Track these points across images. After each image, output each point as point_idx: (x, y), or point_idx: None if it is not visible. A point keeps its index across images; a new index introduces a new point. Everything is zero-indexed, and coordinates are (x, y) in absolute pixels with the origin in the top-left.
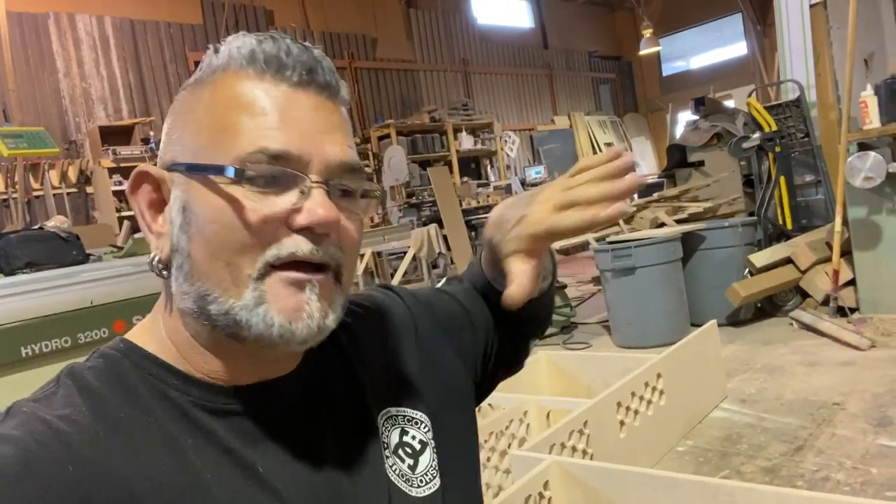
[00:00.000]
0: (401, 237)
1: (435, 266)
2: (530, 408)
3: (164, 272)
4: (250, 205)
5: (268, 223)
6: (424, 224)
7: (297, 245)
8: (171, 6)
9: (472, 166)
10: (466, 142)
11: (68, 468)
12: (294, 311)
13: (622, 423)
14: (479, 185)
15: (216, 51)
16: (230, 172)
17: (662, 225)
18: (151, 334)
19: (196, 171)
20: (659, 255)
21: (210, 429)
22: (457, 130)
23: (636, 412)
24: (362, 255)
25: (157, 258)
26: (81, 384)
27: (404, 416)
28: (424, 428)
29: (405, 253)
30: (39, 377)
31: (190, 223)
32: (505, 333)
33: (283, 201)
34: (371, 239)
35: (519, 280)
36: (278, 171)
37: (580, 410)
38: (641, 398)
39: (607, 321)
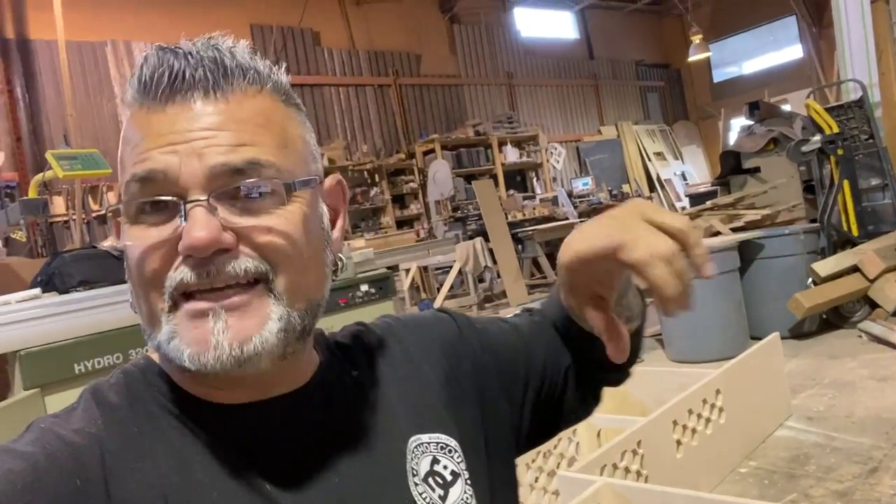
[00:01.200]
0: (446, 251)
1: (481, 280)
2: (580, 425)
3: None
4: (140, 240)
5: (157, 255)
6: (470, 238)
7: (183, 274)
8: (221, 30)
9: (517, 179)
10: (511, 154)
11: (76, 481)
12: (199, 344)
13: (679, 442)
14: (524, 198)
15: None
16: (123, 216)
17: (717, 234)
18: (164, 357)
19: (118, 214)
20: (713, 266)
21: (217, 446)
22: (501, 143)
23: (694, 431)
24: (408, 270)
25: (132, 300)
26: (100, 399)
27: (437, 444)
28: (458, 457)
29: (451, 267)
30: None
31: (128, 266)
32: (581, 375)
33: (166, 229)
34: (416, 253)
35: (608, 335)
36: (154, 203)
37: (633, 429)
38: (699, 416)
39: (660, 335)
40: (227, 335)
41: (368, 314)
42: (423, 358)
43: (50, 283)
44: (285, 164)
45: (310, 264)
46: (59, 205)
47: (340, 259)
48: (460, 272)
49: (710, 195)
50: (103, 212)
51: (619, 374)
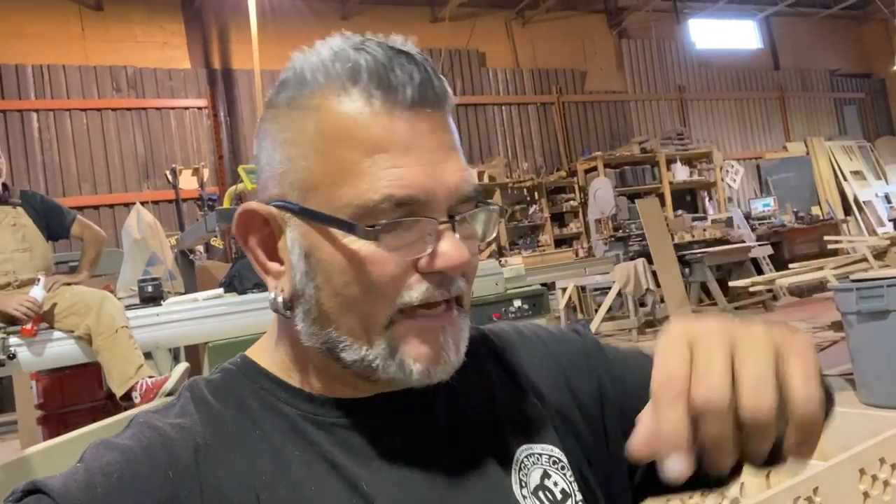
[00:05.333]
0: (603, 271)
1: (643, 304)
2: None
3: (289, 312)
4: (380, 257)
5: (396, 269)
6: (632, 258)
7: (428, 290)
8: None
9: (686, 199)
10: (681, 173)
11: (168, 473)
12: (433, 359)
13: (866, 494)
14: (694, 219)
15: (304, 61)
16: (360, 232)
17: None
18: (267, 350)
19: (316, 219)
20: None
21: (316, 441)
22: (670, 161)
23: (885, 484)
24: (564, 289)
25: (278, 298)
26: (197, 396)
27: (549, 457)
28: (569, 476)
29: (609, 288)
30: None
31: (315, 271)
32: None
33: (413, 248)
34: (572, 272)
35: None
36: (405, 219)
37: (810, 473)
38: (893, 467)
39: (851, 374)
40: (452, 349)
41: None
42: (539, 372)
43: (231, 284)
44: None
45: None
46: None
47: None
48: (620, 294)
49: None
50: None
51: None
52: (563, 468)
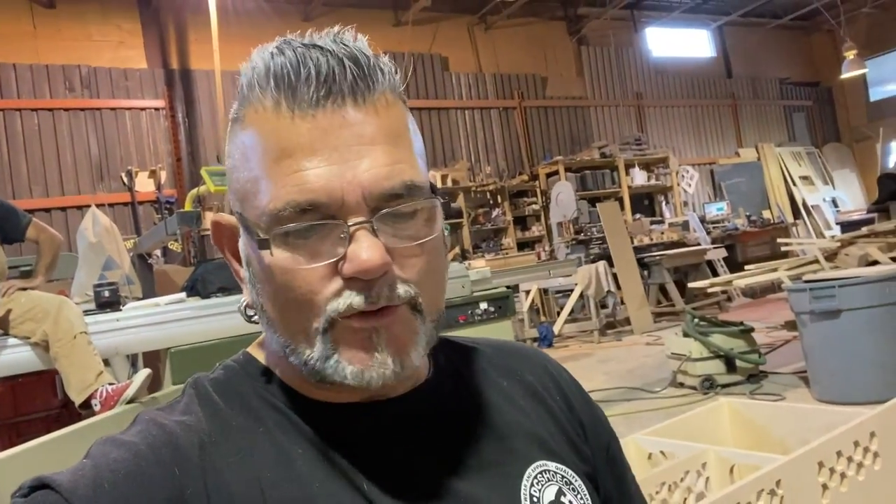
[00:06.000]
0: (567, 274)
1: (604, 305)
2: (710, 459)
3: (252, 319)
4: (296, 264)
5: (316, 277)
6: (593, 261)
7: (351, 298)
8: None
9: (645, 203)
10: (639, 177)
11: (174, 470)
12: (364, 361)
13: (825, 486)
14: (652, 223)
15: (244, 72)
16: (266, 243)
17: (875, 263)
18: (267, 348)
19: (244, 229)
20: (870, 297)
21: (319, 441)
22: (629, 166)
23: (843, 476)
24: (527, 292)
25: (244, 304)
26: (201, 393)
27: (563, 477)
28: (583, 499)
29: (572, 290)
30: None
31: (255, 279)
32: None
33: (327, 253)
34: (536, 274)
35: None
36: (312, 225)
37: (772, 467)
38: (850, 459)
39: (804, 371)
40: (389, 353)
41: (487, 332)
42: (548, 394)
43: (194, 288)
44: (425, 177)
45: (441, 277)
46: (209, 219)
47: None
48: (582, 296)
49: (866, 222)
50: None
51: None
52: (577, 491)
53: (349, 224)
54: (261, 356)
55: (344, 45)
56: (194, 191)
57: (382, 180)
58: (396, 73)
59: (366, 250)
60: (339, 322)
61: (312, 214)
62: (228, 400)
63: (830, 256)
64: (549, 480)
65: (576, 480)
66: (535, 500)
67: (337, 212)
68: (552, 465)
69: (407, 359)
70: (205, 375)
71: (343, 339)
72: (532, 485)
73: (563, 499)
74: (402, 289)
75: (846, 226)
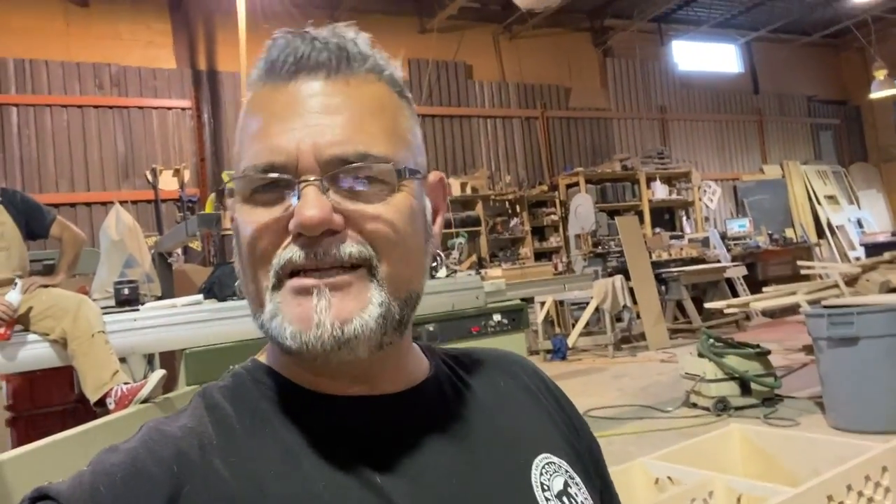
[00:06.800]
0: (583, 287)
1: (619, 319)
2: (717, 487)
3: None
4: (253, 217)
5: (268, 233)
6: (610, 275)
7: (292, 253)
8: None
9: (665, 217)
10: (660, 191)
11: (173, 468)
12: (302, 321)
13: None
14: (672, 237)
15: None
16: (236, 196)
17: (895, 290)
18: (271, 353)
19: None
20: (889, 326)
21: (326, 439)
22: (650, 179)
23: None
24: (542, 303)
25: (238, 283)
26: (209, 401)
27: (566, 471)
28: (584, 497)
29: (587, 303)
30: None
31: (236, 246)
32: None
33: (280, 209)
34: (552, 287)
35: None
36: (270, 184)
37: (780, 499)
38: (860, 494)
39: (820, 397)
40: (330, 314)
41: (500, 344)
42: (540, 394)
43: (211, 291)
44: (395, 153)
45: (412, 254)
46: (230, 219)
47: (439, 255)
48: (597, 309)
49: (891, 245)
50: None
51: None
52: (578, 486)
53: (300, 180)
54: (268, 360)
55: (335, 34)
56: (215, 193)
57: (336, 146)
58: (390, 65)
59: (309, 206)
60: (286, 282)
61: (273, 173)
62: (237, 406)
63: (851, 281)
64: (555, 472)
65: (576, 475)
66: (545, 488)
67: (293, 171)
68: (555, 459)
69: (348, 325)
70: (214, 384)
71: (287, 299)
72: (541, 474)
73: (570, 490)
74: (354, 248)
75: (870, 247)
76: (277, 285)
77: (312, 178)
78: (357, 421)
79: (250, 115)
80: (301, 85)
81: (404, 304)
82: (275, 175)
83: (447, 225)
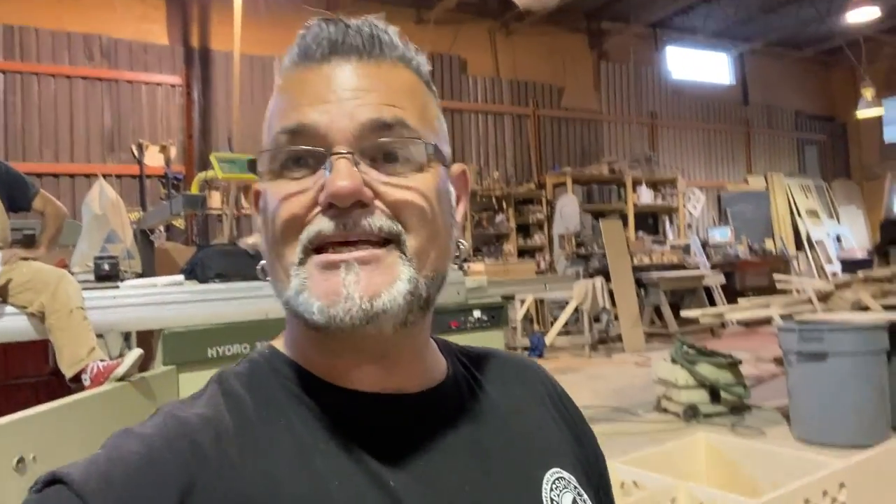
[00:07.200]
0: (564, 287)
1: (597, 320)
2: (680, 494)
3: (267, 278)
4: (284, 190)
5: (297, 205)
6: (591, 276)
7: (321, 224)
8: None
9: (649, 221)
10: (645, 196)
11: (188, 460)
12: (330, 295)
13: None
14: (654, 242)
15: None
16: (265, 168)
17: (866, 309)
18: (288, 339)
19: (259, 174)
20: (857, 344)
21: (341, 435)
22: (636, 183)
23: None
24: (523, 301)
25: (262, 265)
26: (225, 387)
27: (575, 487)
28: None
29: (567, 303)
30: None
31: (262, 222)
32: None
33: (311, 182)
34: (533, 286)
35: None
36: (300, 151)
37: None
38: None
39: (788, 409)
40: (359, 287)
41: (478, 341)
42: (553, 405)
43: (192, 272)
44: (425, 133)
45: (440, 233)
46: (215, 198)
47: (461, 243)
48: (576, 310)
49: (866, 263)
50: (250, 212)
51: None
52: (585, 502)
53: (333, 151)
54: (285, 347)
55: (367, 23)
56: (202, 174)
57: (368, 112)
58: (420, 57)
59: (342, 176)
60: (313, 257)
61: (301, 140)
62: (253, 393)
63: (825, 297)
64: (564, 487)
65: (584, 493)
66: (555, 501)
67: (323, 142)
68: (565, 474)
69: (378, 300)
70: (230, 370)
71: (313, 274)
72: (551, 489)
73: None
74: (384, 221)
75: (847, 264)
76: (304, 260)
77: (344, 151)
78: (375, 419)
79: (281, 94)
80: (334, 66)
81: (431, 283)
82: (307, 148)
83: None
